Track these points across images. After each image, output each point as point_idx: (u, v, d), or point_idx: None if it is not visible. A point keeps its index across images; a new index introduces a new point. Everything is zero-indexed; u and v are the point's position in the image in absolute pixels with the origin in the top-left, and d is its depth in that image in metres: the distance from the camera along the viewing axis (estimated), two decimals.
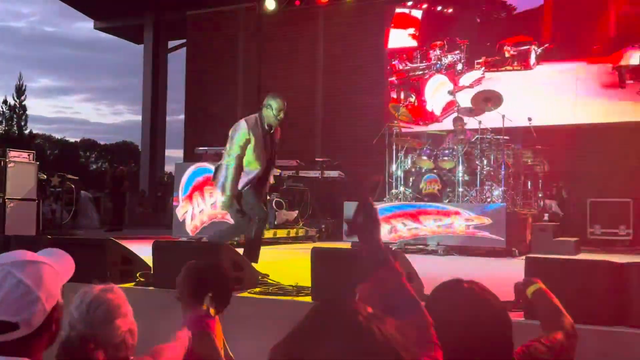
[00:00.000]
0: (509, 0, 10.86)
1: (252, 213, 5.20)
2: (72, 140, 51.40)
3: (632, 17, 9.83)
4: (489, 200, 7.74)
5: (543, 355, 1.66)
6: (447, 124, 10.18)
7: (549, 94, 10.30)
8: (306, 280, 3.97)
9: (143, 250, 4.83)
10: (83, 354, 1.77)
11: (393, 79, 11.77)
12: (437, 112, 11.23)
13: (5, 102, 39.09)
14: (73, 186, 11.87)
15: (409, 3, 11.74)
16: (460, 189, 7.90)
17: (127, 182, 13.90)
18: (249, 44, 13.78)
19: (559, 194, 10.33)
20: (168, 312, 2.92)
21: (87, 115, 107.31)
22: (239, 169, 5.11)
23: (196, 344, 2.46)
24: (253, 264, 4.70)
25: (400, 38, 11.77)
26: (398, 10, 11.84)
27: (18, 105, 38.05)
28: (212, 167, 8.01)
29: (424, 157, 8.25)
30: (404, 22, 11.78)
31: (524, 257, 3.40)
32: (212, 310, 2.65)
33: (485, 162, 8.06)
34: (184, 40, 15.69)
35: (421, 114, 11.36)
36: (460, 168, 7.97)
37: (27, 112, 39.09)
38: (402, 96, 11.68)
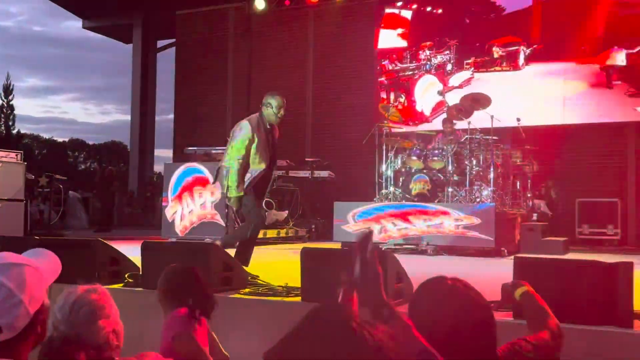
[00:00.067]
0: (498, 1, 10.92)
1: (249, 217, 5.16)
2: (60, 140, 51.08)
3: (620, 18, 9.90)
4: (478, 200, 7.77)
5: (528, 353, 1.68)
6: (436, 124, 10.21)
7: (538, 94, 10.36)
8: (296, 281, 3.97)
9: (132, 250, 4.80)
10: (64, 355, 1.76)
11: (383, 79, 11.79)
12: (427, 112, 11.26)
13: None
14: (61, 186, 11.78)
15: (399, 3, 11.76)
16: (450, 189, 7.93)
17: (116, 182, 13.84)
18: (238, 44, 13.75)
19: (548, 194, 10.40)
20: (157, 313, 2.90)
21: (75, 115, 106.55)
22: (243, 169, 5.05)
23: (176, 345, 2.47)
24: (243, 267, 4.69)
25: (389, 38, 11.79)
26: (388, 10, 11.86)
27: (6, 105, 37.70)
28: (201, 167, 8.03)
29: (414, 157, 8.28)
30: (394, 22, 11.80)
31: (512, 257, 3.42)
32: (197, 313, 2.66)
33: (474, 162, 8.09)
34: (173, 40, 15.63)
35: (411, 114, 11.39)
36: (449, 168, 8.00)
37: (15, 112, 38.73)
38: (391, 96, 11.70)
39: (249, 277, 4.41)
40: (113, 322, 1.88)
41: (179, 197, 8.04)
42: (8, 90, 38.28)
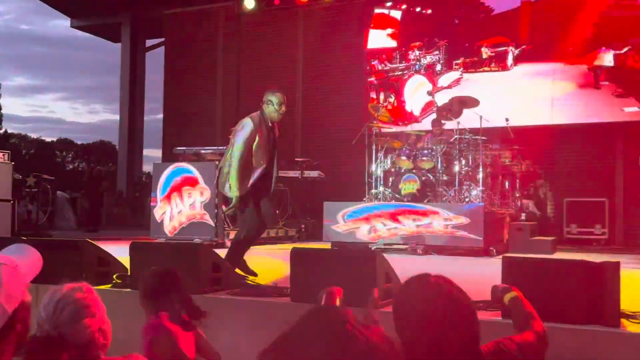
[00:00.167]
0: (487, 2, 10.96)
1: (246, 219, 5.07)
2: (48, 139, 50.68)
3: (608, 19, 9.98)
4: (467, 200, 7.80)
5: (513, 352, 1.69)
6: (426, 124, 10.23)
7: (526, 94, 10.42)
8: (285, 281, 3.96)
9: (120, 251, 4.78)
10: (48, 355, 1.75)
11: (372, 79, 11.81)
12: (417, 112, 11.29)
13: None
14: (49, 186, 11.71)
15: (388, 4, 11.78)
16: (439, 189, 7.96)
17: (105, 182, 13.77)
18: (228, 44, 13.72)
19: (536, 194, 10.46)
20: (145, 314, 2.89)
21: (63, 115, 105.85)
22: (244, 168, 4.95)
23: (154, 349, 2.47)
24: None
25: (379, 38, 11.81)
26: (377, 10, 11.87)
27: None
28: (190, 167, 7.99)
29: (403, 157, 8.30)
30: (383, 22, 11.82)
31: (501, 257, 3.44)
32: (181, 316, 2.65)
33: (463, 162, 8.12)
34: (162, 39, 15.56)
35: (400, 114, 11.42)
36: (439, 168, 8.02)
37: (2, 111, 38.42)
38: (381, 96, 11.72)
39: (239, 278, 4.40)
40: (99, 320, 1.87)
41: (168, 197, 8.00)
42: None
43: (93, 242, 4.65)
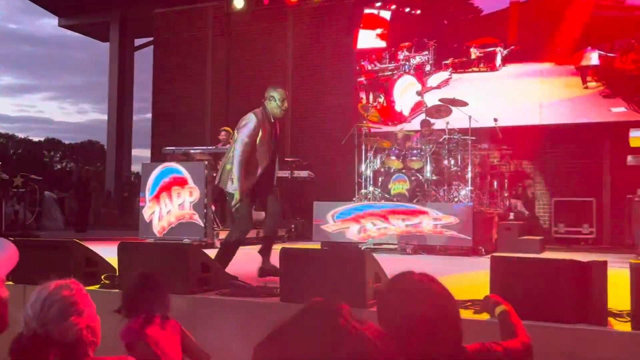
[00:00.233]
0: (476, 3, 11.01)
1: (240, 220, 5.00)
2: (35, 139, 50.33)
3: (595, 20, 10.06)
4: (456, 199, 7.84)
5: (499, 353, 1.71)
6: (415, 125, 10.26)
7: (515, 95, 10.48)
8: (275, 281, 3.96)
9: (108, 251, 4.75)
10: (34, 352, 1.74)
11: (362, 79, 11.82)
12: (406, 112, 11.32)
13: None
14: (36, 186, 11.61)
15: (378, 4, 11.80)
16: (429, 189, 7.98)
17: (93, 182, 13.68)
18: (217, 43, 13.68)
19: (524, 194, 10.53)
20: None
21: (51, 114, 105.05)
22: (247, 162, 4.85)
23: (130, 353, 2.46)
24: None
25: (369, 38, 11.83)
26: (367, 11, 11.89)
27: None
28: (180, 167, 7.96)
29: (393, 157, 8.31)
30: (373, 22, 11.84)
31: (490, 256, 3.46)
32: (169, 320, 2.65)
33: (452, 162, 8.16)
34: (151, 39, 15.49)
35: (390, 114, 11.44)
36: (428, 168, 8.05)
37: None
38: (370, 96, 11.74)
39: (228, 278, 4.38)
40: (87, 318, 1.85)
41: (157, 198, 7.97)
42: None
43: (81, 242, 4.62)
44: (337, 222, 7.89)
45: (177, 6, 14.06)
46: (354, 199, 8.47)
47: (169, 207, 7.88)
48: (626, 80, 9.77)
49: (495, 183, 9.38)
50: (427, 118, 8.77)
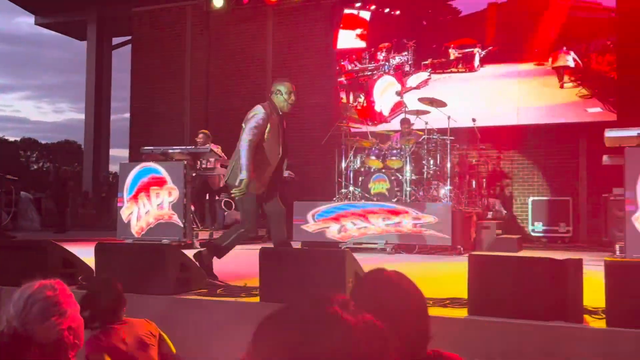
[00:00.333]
0: (454, 4, 11.09)
1: (246, 218, 4.80)
2: (11, 139, 49.50)
3: (572, 21, 10.20)
4: (435, 199, 7.89)
5: None
6: (395, 125, 10.31)
7: (493, 95, 10.58)
8: (255, 281, 3.95)
9: (86, 252, 4.69)
10: (13, 351, 1.72)
11: (342, 79, 11.85)
12: (386, 112, 11.37)
13: None
14: (12, 187, 11.43)
15: (357, 4, 11.83)
16: (408, 189, 8.03)
17: (71, 183, 13.51)
18: (196, 42, 13.60)
19: (502, 193, 10.64)
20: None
21: (27, 114, 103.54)
22: (254, 152, 4.64)
23: None
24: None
25: (348, 39, 11.86)
26: (346, 11, 11.91)
27: None
28: (158, 167, 7.89)
29: (373, 157, 8.34)
30: (353, 23, 11.87)
31: (468, 254, 3.49)
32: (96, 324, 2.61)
33: (431, 162, 8.22)
34: (129, 37, 15.34)
35: (370, 114, 11.48)
36: (407, 168, 8.09)
37: None
38: (351, 96, 11.76)
39: (207, 278, 4.36)
40: (69, 319, 1.83)
41: (135, 198, 7.89)
42: None
43: (58, 243, 4.56)
44: (317, 221, 7.89)
45: (156, 5, 13.94)
46: (334, 198, 8.48)
47: (147, 207, 7.81)
48: (602, 81, 9.92)
49: (473, 182, 9.46)
50: (407, 117, 8.81)
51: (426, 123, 8.34)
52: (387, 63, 11.47)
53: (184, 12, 13.77)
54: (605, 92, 9.88)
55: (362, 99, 11.64)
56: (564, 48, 10.16)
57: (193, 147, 8.71)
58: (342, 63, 11.84)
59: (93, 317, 2.52)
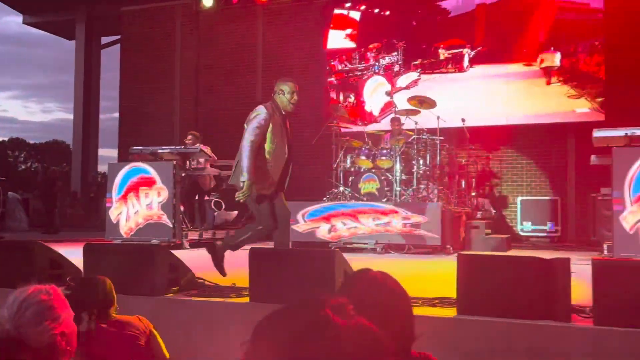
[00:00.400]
0: (444, 4, 11.13)
1: (261, 215, 4.72)
2: None
3: (560, 22, 10.26)
4: (425, 199, 7.91)
5: None
6: (385, 125, 10.33)
7: (482, 95, 10.63)
8: (244, 281, 3.94)
9: (74, 253, 4.66)
10: (6, 353, 1.72)
11: (332, 79, 11.85)
12: (376, 112, 11.38)
13: None
14: (0, 187, 11.33)
15: (347, 4, 11.84)
16: (398, 188, 8.04)
17: (59, 183, 13.42)
18: (186, 42, 13.55)
19: (491, 193, 10.69)
20: None
21: (15, 113, 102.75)
22: (257, 152, 4.60)
23: None
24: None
25: (338, 39, 11.86)
26: (336, 11, 11.92)
27: None
28: (147, 167, 7.86)
29: (363, 157, 8.35)
30: (343, 23, 11.88)
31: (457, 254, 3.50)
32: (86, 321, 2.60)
33: (421, 161, 8.24)
34: (118, 37, 15.25)
35: (360, 114, 11.49)
36: (397, 167, 8.11)
37: None
38: (341, 96, 11.77)
39: (197, 278, 4.34)
40: (63, 324, 1.84)
41: (124, 198, 7.85)
42: None
43: (45, 243, 4.53)
44: (307, 221, 7.89)
45: (145, 4, 13.87)
46: (324, 198, 8.47)
47: (136, 207, 7.77)
48: (590, 82, 9.99)
49: (463, 182, 9.50)
50: (397, 116, 8.83)
51: (416, 123, 8.36)
52: (377, 63, 11.49)
53: (174, 12, 13.72)
54: (593, 93, 9.95)
55: (352, 98, 11.65)
56: (552, 48, 10.23)
57: (182, 147, 8.67)
58: (332, 63, 11.84)
59: (82, 314, 2.52)
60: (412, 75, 11.21)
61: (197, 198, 9.00)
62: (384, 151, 8.29)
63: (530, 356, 2.99)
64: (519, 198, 10.35)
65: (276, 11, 12.67)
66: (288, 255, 4.00)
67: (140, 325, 2.76)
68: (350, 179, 8.51)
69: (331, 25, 11.92)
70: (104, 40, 17.17)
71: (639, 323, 2.79)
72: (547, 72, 10.29)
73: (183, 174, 8.21)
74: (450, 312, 3.32)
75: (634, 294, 2.91)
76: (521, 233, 10.05)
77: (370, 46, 11.57)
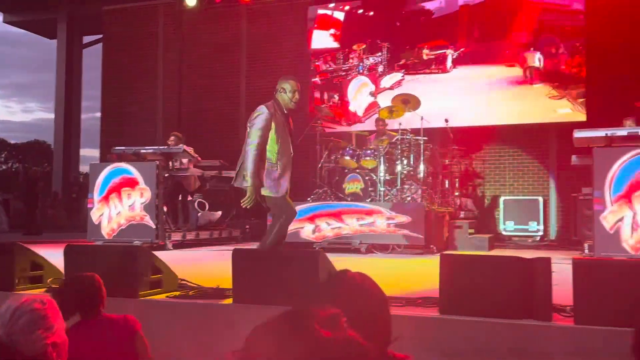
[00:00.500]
0: (427, 5, 11.18)
1: (278, 215, 4.74)
2: None
3: (543, 23, 10.36)
4: (408, 199, 7.94)
5: None
6: (369, 125, 10.35)
7: (465, 96, 10.69)
8: (228, 282, 3.91)
9: (55, 255, 4.60)
10: None
11: (316, 79, 11.85)
12: (360, 112, 11.40)
13: None
14: None
15: (331, 5, 11.85)
16: (382, 189, 8.06)
17: (41, 183, 13.27)
18: (169, 41, 13.46)
19: (475, 193, 10.76)
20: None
21: None
22: (262, 155, 4.65)
23: None
24: None
25: (322, 39, 11.87)
26: (320, 11, 11.92)
27: None
28: (130, 168, 7.79)
29: (347, 157, 8.36)
30: (327, 23, 11.89)
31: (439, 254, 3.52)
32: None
33: (405, 162, 8.26)
34: (101, 36, 15.12)
35: (344, 114, 11.51)
36: (381, 168, 8.13)
37: None
38: (325, 96, 11.77)
39: (179, 280, 4.32)
40: (55, 335, 1.84)
41: (106, 199, 7.78)
42: None
43: (26, 245, 4.47)
44: None
45: (127, 3, 13.76)
46: (308, 198, 8.47)
47: (118, 208, 7.70)
48: (572, 82, 10.10)
49: (446, 182, 9.55)
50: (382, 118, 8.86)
51: (400, 124, 8.39)
52: (361, 63, 11.51)
53: (156, 11, 13.63)
54: (575, 93, 10.06)
55: (336, 98, 11.66)
56: (532, 49, 10.33)
57: (166, 147, 8.61)
58: (317, 63, 11.84)
59: (69, 309, 2.52)
60: (396, 76, 11.24)
61: (180, 198, 8.95)
62: (368, 151, 8.31)
63: (511, 355, 3.01)
64: (502, 198, 10.44)
65: (260, 11, 12.64)
66: (271, 256, 3.99)
67: (127, 324, 2.75)
68: (334, 179, 8.52)
69: (315, 25, 11.92)
70: (86, 39, 17.02)
71: (619, 322, 2.82)
72: (530, 73, 10.38)
73: (166, 175, 8.15)
74: (433, 311, 3.33)
75: (614, 293, 2.94)
76: (504, 233, 10.13)
77: (354, 46, 11.58)
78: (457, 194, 9.71)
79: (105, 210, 7.78)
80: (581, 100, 9.98)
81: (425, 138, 8.45)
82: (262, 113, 4.72)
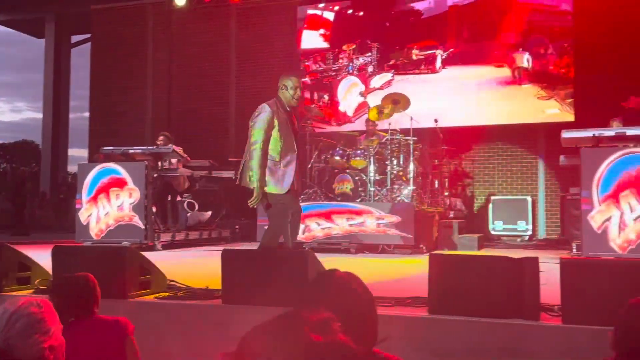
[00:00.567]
0: (417, 6, 11.21)
1: (286, 208, 4.70)
2: None
3: (532, 24, 10.41)
4: (398, 199, 7.96)
5: None
6: (359, 125, 10.36)
7: (454, 96, 10.72)
8: (217, 283, 3.91)
9: (43, 256, 4.57)
10: None
11: (306, 79, 11.84)
12: (350, 113, 11.41)
13: None
14: None
15: (321, 5, 11.85)
16: (372, 189, 8.07)
17: (28, 183, 13.18)
18: (158, 41, 13.39)
19: (464, 192, 10.80)
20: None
21: None
22: (266, 156, 4.63)
23: None
24: None
25: (312, 39, 11.86)
26: (310, 11, 11.92)
27: None
28: (118, 168, 7.75)
29: (337, 157, 8.37)
30: (316, 23, 11.88)
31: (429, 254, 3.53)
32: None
33: (395, 162, 8.28)
34: (89, 35, 15.02)
35: (334, 114, 11.51)
36: (371, 168, 8.14)
37: None
38: (315, 96, 11.77)
39: (168, 280, 4.30)
40: (52, 338, 1.83)
41: (95, 199, 7.73)
42: None
43: (14, 246, 4.44)
44: None
45: (116, 2, 13.68)
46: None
47: (107, 208, 7.66)
48: (560, 83, 10.17)
49: (436, 182, 9.58)
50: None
51: (389, 124, 8.41)
52: (350, 64, 11.52)
53: (145, 11, 13.56)
54: (563, 94, 10.12)
55: (326, 99, 11.66)
56: (520, 50, 10.38)
57: (154, 147, 8.58)
58: (307, 63, 11.83)
59: (66, 311, 2.50)
60: (386, 76, 11.26)
61: (169, 199, 8.91)
62: (358, 152, 8.32)
63: (500, 354, 3.02)
64: (491, 197, 10.49)
65: (250, 11, 12.61)
66: (261, 257, 3.98)
67: (119, 327, 2.73)
68: (324, 179, 8.52)
69: (305, 25, 11.92)
70: (74, 38, 16.91)
71: (606, 321, 2.84)
72: (518, 73, 10.44)
73: (155, 175, 8.12)
74: (422, 311, 3.34)
75: (602, 292, 2.96)
76: (493, 232, 10.18)
77: (344, 47, 11.59)
78: (446, 193, 9.74)
79: (93, 211, 7.73)
80: (569, 100, 10.05)
81: (415, 138, 8.47)
82: (263, 111, 4.72)
